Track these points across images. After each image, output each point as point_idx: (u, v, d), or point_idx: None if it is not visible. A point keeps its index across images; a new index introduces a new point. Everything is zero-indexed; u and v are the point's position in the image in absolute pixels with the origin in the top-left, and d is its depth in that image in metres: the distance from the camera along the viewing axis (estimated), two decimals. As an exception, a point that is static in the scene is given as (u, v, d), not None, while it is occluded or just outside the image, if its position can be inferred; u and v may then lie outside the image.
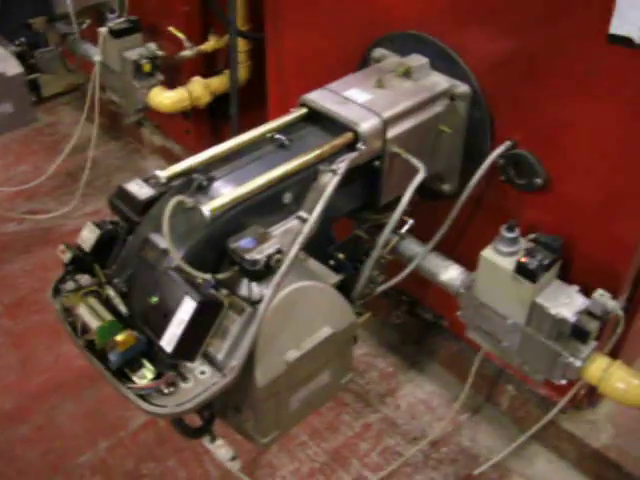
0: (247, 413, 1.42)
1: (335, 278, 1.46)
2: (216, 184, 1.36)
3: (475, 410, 2.21)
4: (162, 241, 1.28)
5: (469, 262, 1.70)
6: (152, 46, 2.60)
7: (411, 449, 2.07)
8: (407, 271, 1.69)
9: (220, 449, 1.44)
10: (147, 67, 2.56)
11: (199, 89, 2.65)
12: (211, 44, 2.61)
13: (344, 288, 1.49)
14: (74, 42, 2.80)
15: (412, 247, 1.78)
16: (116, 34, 2.56)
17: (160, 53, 2.62)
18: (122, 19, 2.60)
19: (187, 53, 2.58)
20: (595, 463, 1.99)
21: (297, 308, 1.34)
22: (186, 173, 1.37)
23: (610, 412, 2.04)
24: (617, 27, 1.34)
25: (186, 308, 1.17)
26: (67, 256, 1.39)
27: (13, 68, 2.51)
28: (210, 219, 1.26)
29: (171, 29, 2.54)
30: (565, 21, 1.50)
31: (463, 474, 2.03)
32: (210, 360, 1.27)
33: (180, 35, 2.52)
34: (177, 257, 1.22)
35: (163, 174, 1.33)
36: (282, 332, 1.32)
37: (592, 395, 1.99)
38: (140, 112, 2.72)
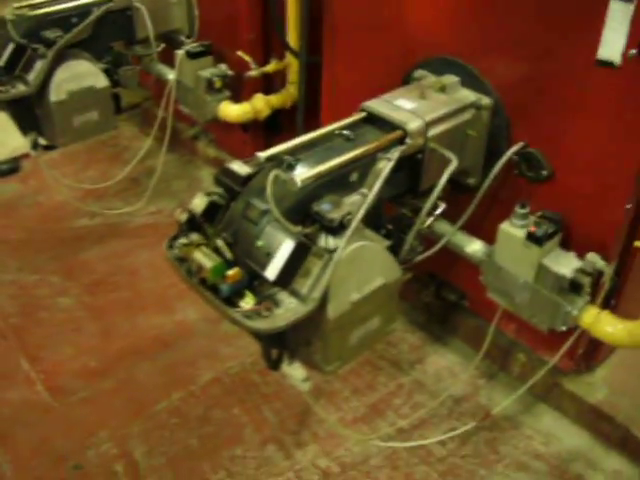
0: (316, 345, 1.81)
1: (387, 242, 1.87)
2: (301, 164, 1.76)
3: (491, 376, 2.58)
4: (262, 204, 1.69)
5: (488, 239, 2.12)
6: (223, 66, 3.04)
7: (437, 404, 2.46)
8: (440, 244, 2.11)
9: (296, 370, 1.84)
10: (218, 84, 2.99)
11: (261, 104, 3.06)
12: (272, 66, 3.03)
13: (391, 252, 1.91)
14: (150, 63, 3.24)
15: (443, 227, 2.19)
16: (192, 55, 3.01)
17: (230, 72, 3.05)
18: (196, 44, 3.05)
19: (253, 73, 3.01)
20: (592, 417, 2.34)
21: (360, 260, 1.74)
22: (277, 156, 1.80)
23: (606, 375, 2.41)
24: (602, 54, 1.78)
25: (286, 247, 1.60)
26: (184, 216, 1.80)
27: (101, 82, 2.94)
28: (300, 187, 1.69)
29: (240, 53, 2.99)
30: (564, 51, 1.93)
31: (481, 424, 2.40)
32: (296, 294, 1.67)
33: (247, 58, 2.97)
34: (277, 214, 1.64)
35: (262, 155, 1.77)
36: (348, 278, 1.73)
37: (590, 360, 2.38)
38: (207, 123, 3.14)
